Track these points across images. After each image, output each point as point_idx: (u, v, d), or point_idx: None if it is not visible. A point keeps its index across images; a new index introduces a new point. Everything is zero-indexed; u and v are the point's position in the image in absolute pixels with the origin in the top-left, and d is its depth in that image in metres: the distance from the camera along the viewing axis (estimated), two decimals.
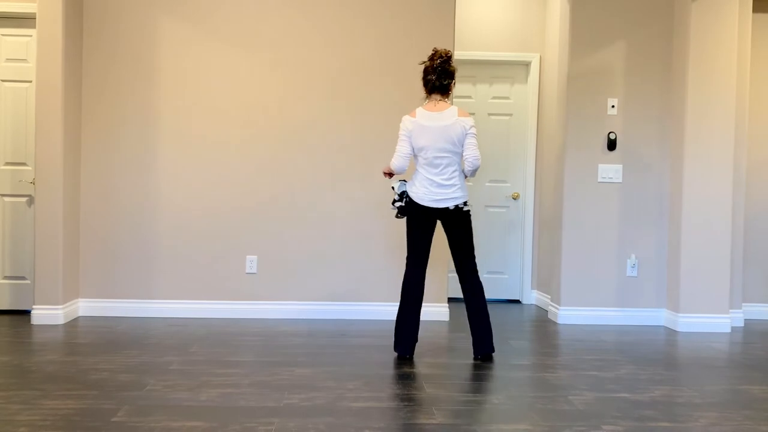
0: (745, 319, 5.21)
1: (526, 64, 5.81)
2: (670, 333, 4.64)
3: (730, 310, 4.96)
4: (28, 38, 4.69)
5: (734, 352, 4.13)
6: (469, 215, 3.78)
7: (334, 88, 4.84)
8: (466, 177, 3.83)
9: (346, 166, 4.85)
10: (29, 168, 4.74)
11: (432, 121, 3.67)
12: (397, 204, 3.78)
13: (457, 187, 3.72)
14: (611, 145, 4.88)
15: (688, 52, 4.71)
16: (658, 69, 4.91)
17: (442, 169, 3.69)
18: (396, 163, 3.72)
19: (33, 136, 4.69)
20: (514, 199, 5.83)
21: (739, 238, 4.99)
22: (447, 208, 3.71)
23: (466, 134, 3.71)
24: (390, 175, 3.88)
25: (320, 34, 4.82)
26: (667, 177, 4.93)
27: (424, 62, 3.75)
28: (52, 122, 4.39)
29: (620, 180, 4.91)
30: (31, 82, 4.71)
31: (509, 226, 5.85)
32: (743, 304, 5.25)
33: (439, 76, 3.69)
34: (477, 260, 5.79)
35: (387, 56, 4.84)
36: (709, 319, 4.73)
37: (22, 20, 4.68)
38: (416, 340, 3.78)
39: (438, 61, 3.69)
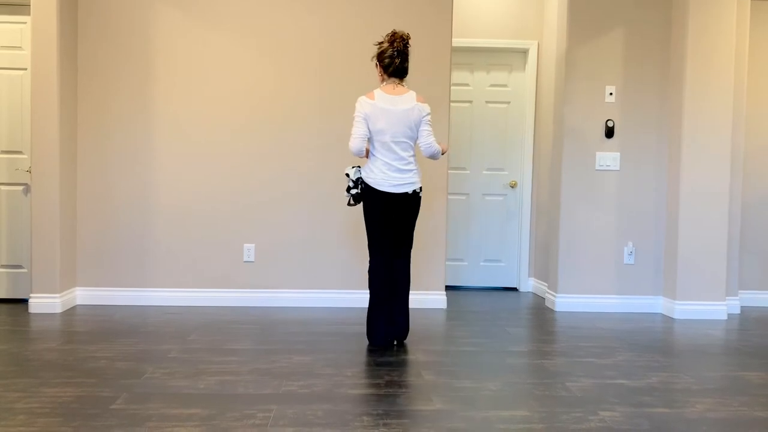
0: (742, 306, 5.23)
1: (524, 52, 5.79)
2: (667, 320, 4.66)
3: (727, 297, 4.97)
4: (23, 25, 4.65)
5: (730, 338, 4.15)
6: (420, 200, 3.74)
7: (329, 75, 4.81)
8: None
9: (343, 154, 4.83)
10: (25, 156, 4.72)
11: (392, 105, 3.61)
12: (353, 191, 3.72)
13: (414, 171, 3.69)
14: (609, 132, 4.87)
15: (686, 38, 4.69)
16: (656, 56, 4.89)
17: (400, 154, 3.64)
18: (353, 145, 3.60)
19: (29, 124, 4.66)
20: (512, 187, 5.83)
21: (736, 226, 4.99)
22: (406, 193, 3.67)
23: (422, 120, 3.65)
24: None
25: (315, 20, 4.79)
26: (665, 165, 4.92)
27: (381, 44, 3.65)
28: (47, 110, 4.37)
29: (618, 168, 4.90)
30: (26, 69, 4.67)
31: (507, 214, 5.85)
32: (740, 291, 5.27)
33: (402, 60, 3.63)
34: (474, 247, 5.82)
35: None
36: (706, 307, 4.74)
37: (17, 7, 4.64)
38: (404, 327, 3.72)
39: (400, 43, 3.60)
